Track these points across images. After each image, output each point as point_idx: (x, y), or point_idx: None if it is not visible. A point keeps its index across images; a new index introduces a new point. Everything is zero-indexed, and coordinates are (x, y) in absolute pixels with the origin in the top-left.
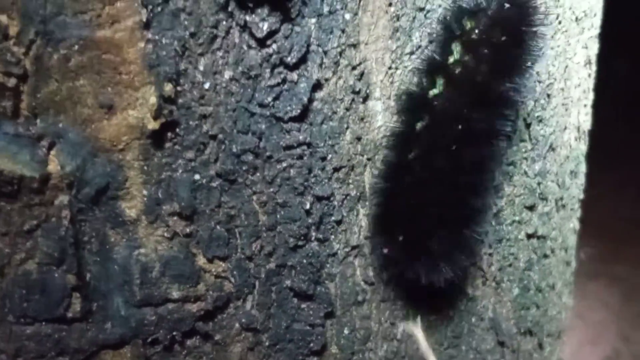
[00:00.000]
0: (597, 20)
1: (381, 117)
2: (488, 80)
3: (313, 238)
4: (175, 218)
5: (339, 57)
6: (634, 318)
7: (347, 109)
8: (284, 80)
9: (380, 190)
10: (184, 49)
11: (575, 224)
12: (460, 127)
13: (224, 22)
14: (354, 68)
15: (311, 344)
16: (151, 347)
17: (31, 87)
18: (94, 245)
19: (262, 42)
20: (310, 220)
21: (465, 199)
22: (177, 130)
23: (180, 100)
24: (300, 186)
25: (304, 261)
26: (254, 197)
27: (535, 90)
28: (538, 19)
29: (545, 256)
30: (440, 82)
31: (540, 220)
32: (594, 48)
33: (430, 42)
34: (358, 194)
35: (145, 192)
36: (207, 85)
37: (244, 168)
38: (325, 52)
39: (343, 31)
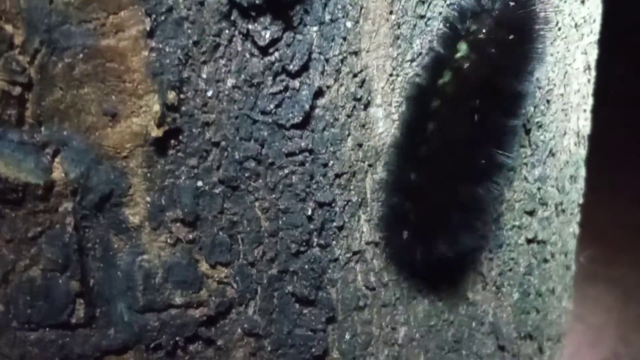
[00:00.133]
0: (597, 26)
1: (382, 123)
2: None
3: (315, 244)
4: (178, 224)
5: (340, 64)
6: (633, 321)
7: (349, 116)
8: (286, 88)
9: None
10: (187, 57)
11: (574, 228)
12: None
13: (227, 31)
14: (355, 75)
15: (313, 349)
16: (154, 353)
17: (36, 95)
18: (97, 251)
19: (264, 50)
20: (312, 226)
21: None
22: (180, 137)
23: (183, 108)
24: (302, 192)
25: (306, 267)
26: (257, 204)
27: (535, 96)
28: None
29: (545, 261)
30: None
31: (540, 225)
32: (593, 54)
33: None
34: (359, 199)
35: (148, 199)
36: (210, 93)
37: (246, 175)
38: (327, 60)
39: (344, 39)
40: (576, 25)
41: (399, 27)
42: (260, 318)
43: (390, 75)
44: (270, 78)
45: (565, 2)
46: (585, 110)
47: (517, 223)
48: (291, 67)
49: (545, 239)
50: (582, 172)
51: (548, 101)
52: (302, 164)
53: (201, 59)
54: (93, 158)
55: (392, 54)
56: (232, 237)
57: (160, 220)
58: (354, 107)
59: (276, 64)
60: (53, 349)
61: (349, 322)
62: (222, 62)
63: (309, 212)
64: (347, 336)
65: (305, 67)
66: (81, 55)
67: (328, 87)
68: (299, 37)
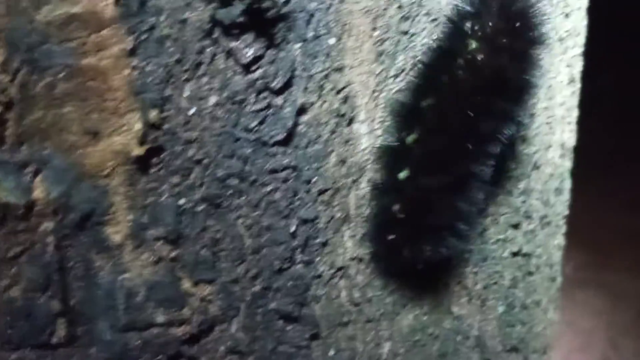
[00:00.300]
0: (581, 39)
1: (366, 139)
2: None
3: (298, 260)
4: (160, 242)
5: (323, 81)
6: (623, 325)
7: (332, 132)
8: (269, 105)
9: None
10: (170, 76)
11: (560, 240)
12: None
13: (209, 49)
14: (338, 92)
15: None
16: None
17: (17, 114)
18: (78, 270)
19: (247, 68)
20: (295, 243)
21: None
22: (163, 155)
23: (165, 126)
24: (285, 209)
25: (289, 283)
26: (239, 221)
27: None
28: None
29: (530, 273)
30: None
31: (525, 238)
32: (578, 66)
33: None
34: (343, 215)
35: (130, 217)
36: (192, 111)
37: (229, 192)
38: (310, 77)
39: (327, 55)
40: (560, 39)
41: (382, 44)
42: (243, 335)
43: (374, 91)
44: (253, 95)
45: (549, 16)
46: (570, 123)
47: (501, 236)
48: (274, 84)
49: (530, 252)
50: (568, 184)
51: (532, 115)
52: (285, 180)
53: (183, 77)
54: (74, 177)
55: (375, 70)
56: (215, 254)
57: (143, 238)
58: (338, 123)
59: (259, 82)
60: None
61: (333, 338)
62: (205, 80)
63: (293, 229)
64: (331, 352)
65: (288, 84)
66: (62, 74)
67: (311, 103)
68: (281, 54)
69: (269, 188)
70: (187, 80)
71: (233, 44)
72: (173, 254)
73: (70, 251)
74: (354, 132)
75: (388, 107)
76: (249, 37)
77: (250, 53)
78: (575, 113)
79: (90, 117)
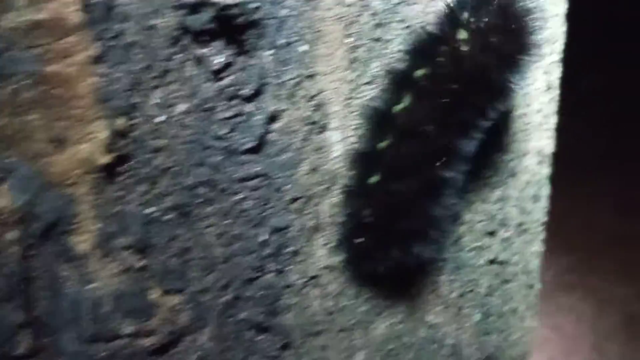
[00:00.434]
0: (559, 46)
1: (338, 147)
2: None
3: (269, 269)
4: (128, 252)
5: (295, 88)
6: (608, 330)
7: (304, 140)
8: (239, 113)
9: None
10: (137, 83)
11: (537, 247)
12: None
13: (178, 56)
14: (310, 99)
15: None
16: None
17: None
18: (44, 280)
19: (216, 75)
20: (266, 252)
21: (438, 171)
22: (130, 163)
23: (133, 134)
24: (256, 218)
25: (260, 293)
26: (209, 230)
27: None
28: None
29: (507, 281)
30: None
31: (501, 245)
32: (556, 73)
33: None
34: (315, 224)
35: (97, 226)
36: (160, 119)
37: (198, 201)
38: (281, 84)
39: (299, 62)
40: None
41: (355, 51)
42: (213, 345)
43: (347, 98)
44: (223, 103)
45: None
46: (547, 130)
47: (477, 244)
48: (244, 91)
49: (507, 260)
50: (546, 191)
51: (508, 121)
52: (256, 189)
53: (152, 84)
54: (39, 185)
55: (348, 77)
56: (184, 263)
57: (110, 247)
58: (310, 131)
59: (229, 89)
60: None
61: (305, 348)
62: (174, 87)
63: (263, 238)
64: None
65: (259, 92)
66: (27, 82)
67: (283, 111)
68: (252, 61)
69: (239, 196)
70: (156, 87)
71: (202, 51)
72: (141, 263)
73: (35, 261)
74: (326, 139)
75: (361, 114)
76: (218, 44)
77: (220, 60)
78: (553, 120)
79: (56, 125)
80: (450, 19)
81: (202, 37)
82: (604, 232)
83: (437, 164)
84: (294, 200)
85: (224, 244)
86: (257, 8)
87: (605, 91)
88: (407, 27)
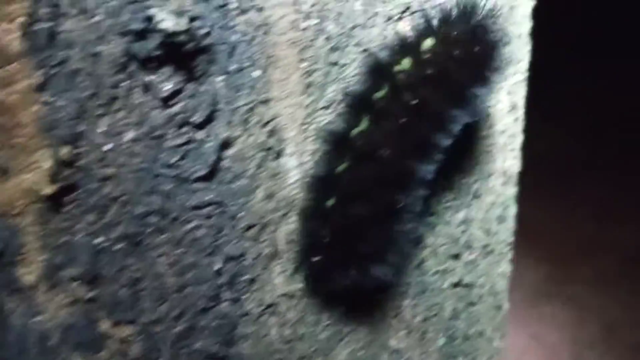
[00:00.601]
0: (523, 65)
1: (295, 173)
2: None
3: (224, 298)
4: (76, 283)
5: (248, 114)
6: (588, 339)
7: (259, 167)
8: (190, 140)
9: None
10: (83, 111)
11: (505, 267)
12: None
13: (125, 83)
14: (264, 125)
15: None
16: None
17: None
18: None
19: (165, 102)
20: (220, 281)
21: (396, 198)
22: (77, 193)
23: (79, 163)
24: (210, 246)
25: (215, 322)
26: (161, 259)
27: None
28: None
29: (472, 304)
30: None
31: (466, 268)
32: (520, 93)
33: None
34: (272, 251)
35: (43, 257)
36: (108, 147)
37: (149, 230)
38: (233, 110)
39: (252, 88)
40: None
41: (310, 75)
42: None
43: (302, 123)
44: (172, 130)
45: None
46: (513, 150)
47: (441, 268)
48: (195, 118)
49: (472, 282)
50: (512, 211)
51: (470, 143)
52: (209, 217)
53: (98, 112)
54: None
55: (303, 102)
56: (135, 294)
57: (57, 279)
58: (264, 157)
59: (179, 116)
60: None
61: None
62: (121, 114)
63: (218, 266)
64: None
65: (210, 119)
66: None
67: (236, 137)
68: (202, 87)
69: (191, 225)
70: (102, 115)
71: (150, 78)
72: (90, 294)
73: None
74: (282, 165)
75: (318, 138)
76: (167, 70)
77: (168, 87)
78: (519, 139)
79: None
80: (408, 42)
81: (150, 63)
82: (583, 241)
83: (395, 187)
84: (249, 227)
85: (177, 273)
86: (206, 34)
87: (584, 100)
88: (364, 50)
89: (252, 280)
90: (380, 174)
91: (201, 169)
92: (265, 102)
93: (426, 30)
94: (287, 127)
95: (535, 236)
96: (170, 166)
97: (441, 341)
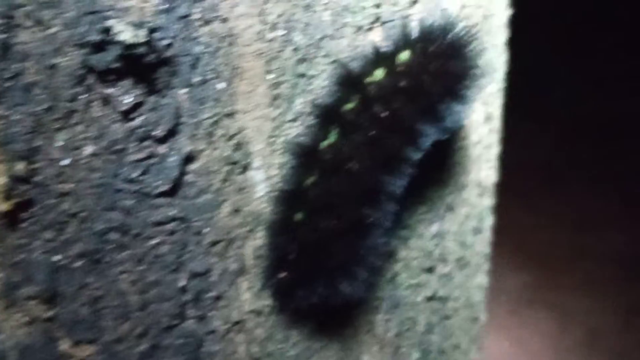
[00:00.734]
0: (499, 75)
1: (262, 187)
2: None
3: (189, 316)
4: (34, 302)
5: (213, 127)
6: (571, 345)
7: (224, 181)
8: (152, 154)
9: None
10: (39, 125)
11: (481, 279)
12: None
13: (83, 96)
14: (230, 138)
15: None
16: None
17: None
18: None
19: (125, 116)
20: (185, 298)
21: (365, 212)
22: (33, 209)
23: (35, 179)
24: (173, 263)
25: (180, 341)
26: (122, 277)
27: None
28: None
29: (448, 317)
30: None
31: (440, 281)
32: (496, 103)
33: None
34: (239, 267)
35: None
36: (66, 162)
37: (109, 247)
38: (197, 123)
39: (217, 100)
40: None
41: (277, 87)
42: None
43: (270, 136)
44: (133, 144)
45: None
46: (488, 161)
47: (414, 281)
48: (157, 132)
49: (447, 295)
50: (488, 222)
51: (443, 156)
52: (173, 233)
53: (55, 126)
54: None
55: (271, 114)
56: (96, 312)
57: (14, 298)
58: (230, 171)
59: (140, 130)
60: None
61: None
62: (79, 128)
63: (182, 283)
64: None
65: (173, 132)
66: None
67: (200, 151)
68: (164, 100)
69: (154, 241)
70: (60, 129)
71: (109, 91)
72: (49, 313)
73: None
74: (249, 179)
75: (286, 151)
76: (126, 83)
77: (128, 100)
78: (495, 150)
79: None
80: (382, 53)
81: (109, 76)
82: (566, 247)
83: (365, 201)
84: (215, 243)
85: (139, 290)
86: (168, 45)
87: (568, 107)
88: (333, 61)
89: (218, 297)
90: (349, 188)
91: (164, 184)
92: (231, 114)
93: (403, 42)
94: (254, 140)
95: (518, 243)
96: (131, 181)
97: (415, 355)
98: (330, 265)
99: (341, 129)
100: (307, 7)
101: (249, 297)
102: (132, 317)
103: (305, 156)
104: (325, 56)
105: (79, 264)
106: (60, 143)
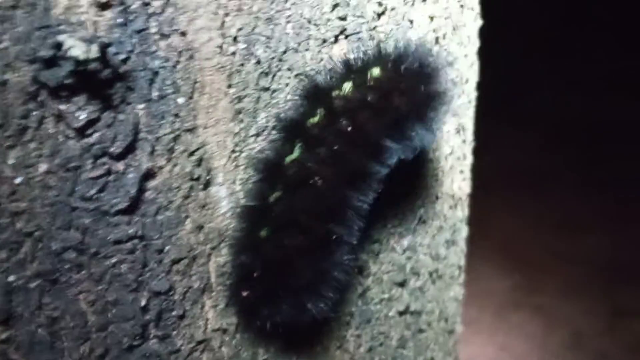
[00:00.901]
0: (470, 86)
1: (225, 203)
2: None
3: (152, 336)
4: None
5: (173, 143)
6: (556, 348)
7: (186, 197)
8: (108, 171)
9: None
10: None
11: (456, 291)
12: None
13: (35, 112)
14: (191, 154)
15: None
16: None
17: None
18: None
19: (80, 132)
20: (147, 317)
21: (330, 229)
22: None
23: None
24: (134, 282)
25: None
26: (81, 297)
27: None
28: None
29: (421, 331)
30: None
31: (413, 295)
32: (468, 114)
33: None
34: (202, 285)
35: None
36: (18, 180)
37: (66, 266)
38: (156, 139)
39: (177, 116)
40: None
41: (240, 101)
42: None
43: (233, 151)
44: (89, 161)
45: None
46: (462, 172)
47: (386, 296)
48: (113, 148)
49: (420, 309)
50: (463, 234)
51: (414, 169)
52: (132, 251)
53: (6, 143)
54: None
55: (233, 129)
56: (53, 334)
57: None
58: (192, 187)
59: (96, 146)
60: None
61: None
62: (32, 146)
63: (143, 303)
64: None
65: (130, 149)
66: None
67: (160, 168)
68: (121, 116)
69: (113, 260)
70: (11, 146)
71: (62, 107)
72: (4, 335)
73: None
74: (212, 195)
75: (250, 167)
76: (80, 99)
77: (83, 116)
78: (468, 161)
79: None
80: (351, 66)
81: (62, 92)
82: (551, 251)
83: (330, 217)
84: (177, 261)
85: (99, 311)
86: (124, 60)
87: (550, 109)
88: (297, 75)
89: (181, 316)
90: (314, 204)
91: (122, 202)
92: (192, 130)
93: (374, 57)
94: (216, 155)
95: (503, 246)
96: (88, 199)
97: None
98: (295, 283)
99: (306, 143)
100: (269, 20)
101: (213, 315)
102: (91, 337)
103: (269, 171)
104: (289, 69)
105: (35, 284)
106: (13, 161)
